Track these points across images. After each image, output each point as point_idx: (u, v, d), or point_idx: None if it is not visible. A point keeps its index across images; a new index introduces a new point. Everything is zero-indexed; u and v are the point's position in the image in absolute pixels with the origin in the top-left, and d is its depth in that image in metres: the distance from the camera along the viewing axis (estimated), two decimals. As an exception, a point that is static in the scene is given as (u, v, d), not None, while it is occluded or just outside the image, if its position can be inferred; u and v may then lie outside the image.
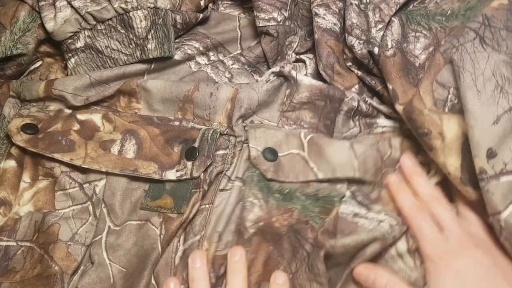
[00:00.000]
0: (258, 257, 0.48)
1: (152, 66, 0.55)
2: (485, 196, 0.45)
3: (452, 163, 0.48)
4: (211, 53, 0.57)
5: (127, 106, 0.54)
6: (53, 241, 0.48)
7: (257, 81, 0.56)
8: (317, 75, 0.55)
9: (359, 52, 0.52)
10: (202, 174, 0.50)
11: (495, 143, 0.44)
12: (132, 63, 0.54)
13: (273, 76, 0.53)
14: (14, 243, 0.49)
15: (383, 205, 0.51)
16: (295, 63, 0.56)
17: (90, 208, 0.50)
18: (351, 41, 0.52)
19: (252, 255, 0.48)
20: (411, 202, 0.50)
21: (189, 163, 0.50)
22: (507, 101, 0.45)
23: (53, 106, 0.54)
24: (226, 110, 0.52)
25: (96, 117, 0.53)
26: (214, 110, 0.52)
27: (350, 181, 0.51)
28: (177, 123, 0.53)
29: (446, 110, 0.48)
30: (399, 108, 0.50)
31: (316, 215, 0.49)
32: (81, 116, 0.53)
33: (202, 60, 0.57)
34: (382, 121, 0.55)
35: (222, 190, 0.50)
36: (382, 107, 0.55)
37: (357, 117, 0.54)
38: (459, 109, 0.48)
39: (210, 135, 0.51)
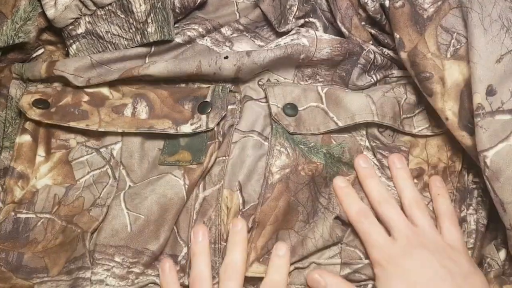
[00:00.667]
0: (279, 205, 0.49)
1: (152, 49, 0.55)
2: (477, 132, 0.46)
3: (451, 108, 0.49)
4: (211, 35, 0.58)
5: None
6: (78, 213, 0.49)
7: (259, 46, 0.57)
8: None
9: (372, 8, 0.54)
10: (215, 127, 0.51)
11: (496, 81, 0.46)
12: (133, 47, 0.55)
13: (282, 48, 0.53)
14: (33, 215, 0.50)
15: None
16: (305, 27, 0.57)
17: (109, 171, 0.51)
18: None
19: (273, 202, 0.49)
20: (357, 207, 0.50)
21: (203, 116, 0.52)
22: None
23: (58, 84, 0.55)
24: (230, 78, 0.54)
25: (103, 89, 0.54)
26: (218, 77, 0.54)
27: (372, 135, 0.53)
28: (183, 85, 0.54)
29: (449, 55, 0.50)
30: (403, 55, 0.52)
31: (333, 173, 0.52)
32: (88, 89, 0.54)
33: (200, 40, 0.57)
34: (397, 72, 0.57)
35: (235, 142, 0.51)
36: (397, 58, 0.56)
37: (372, 72, 0.56)
38: (461, 56, 0.49)
39: (220, 90, 0.53)
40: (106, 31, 0.54)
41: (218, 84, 0.54)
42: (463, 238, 0.49)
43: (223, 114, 0.52)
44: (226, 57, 0.52)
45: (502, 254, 0.50)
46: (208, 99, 0.53)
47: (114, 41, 0.54)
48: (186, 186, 0.49)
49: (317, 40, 0.53)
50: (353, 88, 0.55)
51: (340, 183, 0.51)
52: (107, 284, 0.47)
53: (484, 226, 0.52)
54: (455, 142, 0.52)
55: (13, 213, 0.50)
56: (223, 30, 0.57)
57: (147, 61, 0.56)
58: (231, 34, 0.57)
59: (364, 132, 0.54)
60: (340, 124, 0.52)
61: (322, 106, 0.53)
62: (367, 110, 0.52)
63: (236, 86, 0.54)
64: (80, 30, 0.54)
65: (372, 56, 0.54)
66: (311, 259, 0.49)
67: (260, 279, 0.48)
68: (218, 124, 0.52)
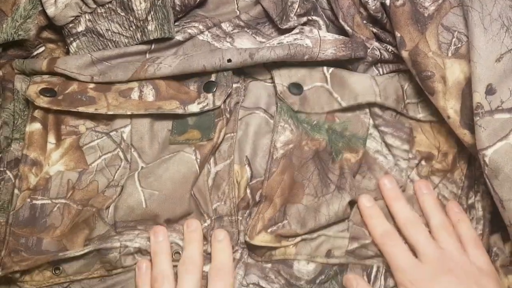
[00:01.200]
0: (284, 179, 0.50)
1: (153, 46, 0.55)
2: (477, 131, 0.46)
3: (452, 106, 0.50)
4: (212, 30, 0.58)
5: None
6: (93, 196, 0.50)
7: (260, 43, 0.57)
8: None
9: (373, 7, 0.55)
10: (222, 104, 0.52)
11: (495, 80, 0.46)
12: (133, 45, 0.55)
13: (285, 48, 0.53)
14: (48, 201, 0.50)
15: (407, 146, 0.53)
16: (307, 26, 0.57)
17: (121, 154, 0.52)
18: None
19: (278, 176, 0.50)
20: (383, 228, 0.50)
21: (209, 95, 0.53)
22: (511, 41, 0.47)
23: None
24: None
25: None
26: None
27: (375, 113, 0.54)
28: None
29: (450, 54, 0.50)
30: (405, 54, 0.52)
31: (338, 149, 0.52)
32: None
33: (200, 36, 0.57)
34: (404, 66, 0.57)
35: (240, 119, 0.53)
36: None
37: (379, 64, 0.57)
38: (462, 54, 0.49)
39: (224, 71, 0.54)
40: (106, 29, 0.54)
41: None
42: (490, 261, 0.49)
43: (229, 91, 0.53)
44: (229, 60, 0.53)
45: (508, 246, 0.50)
46: (213, 79, 0.54)
47: (114, 39, 0.54)
48: (198, 160, 0.50)
49: (320, 41, 0.54)
50: None
51: (366, 203, 0.51)
52: (136, 242, 0.48)
53: (490, 213, 0.52)
54: None
55: (29, 200, 0.50)
56: (223, 25, 0.57)
57: (147, 56, 0.56)
58: (232, 30, 0.58)
59: (367, 110, 0.54)
60: (344, 104, 0.53)
61: (327, 87, 0.54)
62: (370, 91, 0.53)
63: (239, 68, 0.55)
64: (81, 28, 0.54)
65: (378, 53, 0.55)
66: (320, 232, 0.49)
67: (266, 248, 0.49)
68: (224, 101, 0.53)
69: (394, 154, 0.53)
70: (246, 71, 0.56)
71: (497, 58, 0.46)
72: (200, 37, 0.57)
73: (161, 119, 0.53)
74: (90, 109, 0.51)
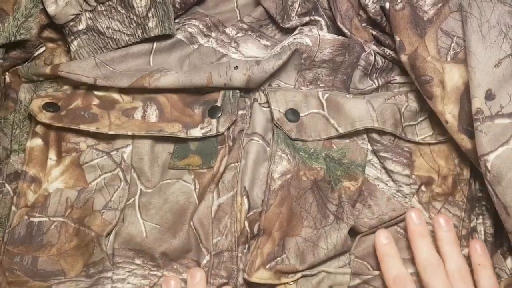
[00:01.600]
0: (283, 211, 0.49)
1: (154, 45, 0.55)
2: (477, 137, 0.46)
3: (451, 111, 0.49)
4: (213, 34, 0.57)
5: None
6: (89, 214, 0.50)
7: (265, 46, 0.57)
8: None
9: (373, 10, 0.54)
10: (226, 132, 0.52)
11: (495, 86, 0.46)
12: (134, 43, 0.55)
13: (287, 50, 0.53)
14: (46, 219, 0.50)
15: (409, 171, 0.52)
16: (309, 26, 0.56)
17: (120, 174, 0.52)
18: (365, 0, 0.55)
19: (276, 209, 0.49)
20: (396, 272, 0.47)
21: (213, 121, 0.52)
22: (510, 46, 0.47)
23: (68, 86, 0.55)
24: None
25: (113, 92, 0.54)
26: (228, 89, 0.54)
27: (372, 139, 0.53)
28: (193, 89, 0.54)
29: (449, 59, 0.50)
30: (404, 58, 0.52)
31: (337, 177, 0.51)
32: (98, 93, 0.54)
33: (203, 41, 0.57)
34: (399, 78, 0.56)
35: (244, 148, 0.52)
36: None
37: (374, 75, 0.56)
38: (461, 59, 0.49)
39: (231, 95, 0.53)
40: (107, 27, 0.54)
41: (229, 90, 0.54)
42: None
43: (234, 119, 0.52)
44: (236, 67, 0.52)
45: (509, 262, 0.49)
46: (218, 104, 0.53)
47: (115, 37, 0.54)
48: (197, 191, 0.50)
49: (319, 40, 0.53)
50: (354, 91, 0.55)
51: (383, 240, 0.49)
52: (128, 283, 0.47)
53: (491, 235, 0.52)
54: (460, 151, 0.52)
55: (26, 217, 0.50)
56: (227, 30, 0.57)
57: (151, 62, 0.55)
58: (236, 34, 0.57)
59: (365, 136, 0.53)
60: (341, 130, 0.52)
61: (323, 113, 0.53)
62: (367, 117, 0.52)
63: (245, 92, 0.54)
64: (81, 26, 0.54)
65: (372, 58, 0.54)
66: (321, 268, 0.49)
67: (267, 285, 0.48)
68: (228, 128, 0.52)
69: (396, 180, 0.52)
70: (251, 93, 0.54)
71: (496, 64, 0.46)
72: (205, 44, 0.56)
73: (163, 141, 0.53)
74: (92, 128, 0.51)
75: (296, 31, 0.55)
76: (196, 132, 0.52)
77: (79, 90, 0.54)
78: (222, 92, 0.54)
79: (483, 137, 0.46)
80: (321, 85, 0.55)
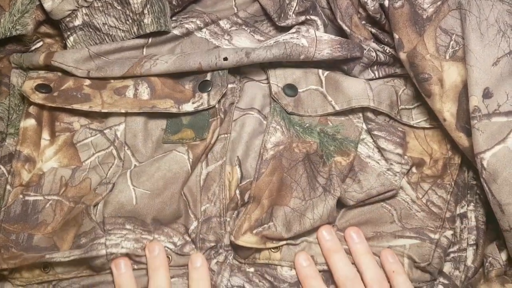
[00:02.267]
0: (273, 180, 0.50)
1: (150, 40, 0.55)
2: (474, 134, 0.46)
3: (449, 109, 0.49)
4: (210, 27, 0.57)
5: None
6: (86, 193, 0.50)
7: (258, 41, 0.57)
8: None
9: (372, 8, 0.54)
10: (217, 104, 0.52)
11: (492, 84, 0.46)
12: (130, 39, 0.55)
13: (281, 46, 0.53)
14: (41, 197, 0.50)
15: (401, 150, 0.52)
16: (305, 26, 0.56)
17: (114, 151, 0.52)
18: None
19: (267, 178, 0.50)
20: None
21: (204, 94, 0.53)
22: (508, 45, 0.47)
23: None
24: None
25: None
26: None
27: (368, 118, 0.53)
28: None
29: (447, 57, 0.50)
30: (402, 56, 0.52)
31: (329, 152, 0.52)
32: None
33: (198, 33, 0.57)
34: (400, 70, 0.56)
35: (235, 120, 0.53)
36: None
37: (375, 67, 0.56)
38: (460, 57, 0.49)
39: (220, 71, 0.54)
40: (103, 23, 0.54)
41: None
42: None
43: (224, 91, 0.53)
44: (225, 59, 0.52)
45: (504, 255, 0.50)
46: (208, 78, 0.53)
47: (111, 33, 0.54)
48: (190, 160, 0.50)
49: (316, 41, 0.53)
50: None
51: (302, 262, 0.49)
52: (122, 247, 0.47)
53: (483, 223, 0.52)
54: None
55: (21, 196, 0.50)
56: (221, 23, 0.57)
57: (144, 52, 0.55)
58: (229, 27, 0.57)
59: (361, 115, 0.54)
60: (337, 108, 0.53)
61: (322, 90, 0.54)
62: (364, 96, 0.53)
63: (235, 68, 0.55)
64: (77, 22, 0.54)
65: (374, 54, 0.54)
66: (303, 237, 0.49)
67: (252, 249, 0.48)
68: (219, 101, 0.53)
69: (388, 158, 0.52)
70: (242, 71, 0.55)
71: (494, 62, 0.46)
72: (198, 34, 0.56)
73: (156, 117, 0.53)
74: (85, 107, 0.52)
75: (293, 30, 0.55)
76: (188, 107, 0.52)
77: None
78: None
79: (479, 135, 0.46)
80: (322, 65, 0.55)
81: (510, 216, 0.45)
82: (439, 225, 0.51)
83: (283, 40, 0.53)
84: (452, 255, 0.51)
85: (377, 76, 0.56)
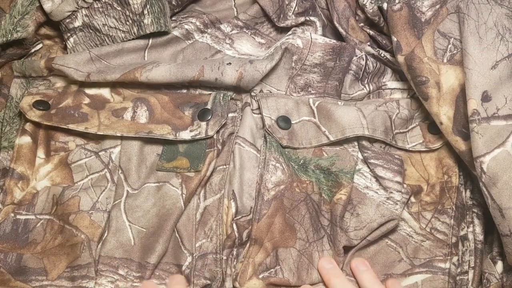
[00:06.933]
0: (275, 222, 0.49)
1: (150, 42, 0.55)
2: (473, 138, 0.46)
3: (446, 112, 0.49)
4: (209, 30, 0.57)
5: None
6: (74, 212, 0.49)
7: (259, 43, 0.57)
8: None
9: (371, 10, 0.54)
10: (215, 135, 0.51)
11: (491, 87, 0.45)
12: (130, 39, 0.55)
13: (278, 50, 0.53)
14: (33, 217, 0.50)
15: (400, 178, 0.51)
16: (303, 26, 0.56)
17: (108, 175, 0.51)
18: (363, 1, 0.54)
19: (269, 219, 0.49)
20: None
21: (203, 123, 0.52)
22: (507, 48, 0.46)
23: (60, 83, 0.55)
24: (232, 86, 0.53)
25: (104, 91, 0.54)
26: (220, 86, 0.54)
27: (363, 146, 0.52)
28: (184, 91, 0.54)
29: (445, 60, 0.49)
30: (400, 58, 0.52)
31: (328, 188, 0.51)
32: (89, 91, 0.54)
33: (200, 37, 0.57)
34: (390, 83, 0.56)
35: (233, 151, 0.52)
36: (393, 60, 0.55)
37: (366, 80, 0.55)
38: (458, 61, 0.49)
39: (221, 97, 0.53)
40: (103, 24, 0.54)
41: (219, 91, 0.54)
42: None
43: (223, 122, 0.52)
44: (229, 63, 0.52)
45: (499, 266, 0.49)
46: (208, 106, 0.52)
47: (111, 34, 0.54)
48: (184, 196, 0.49)
49: (311, 43, 0.52)
50: (346, 97, 0.55)
51: (326, 265, 0.49)
52: None
53: (480, 242, 0.51)
54: (450, 157, 0.52)
55: (12, 214, 0.50)
56: (222, 27, 0.57)
57: (146, 57, 0.55)
58: (230, 31, 0.57)
59: (356, 144, 0.53)
60: (332, 138, 0.52)
61: (314, 120, 0.53)
62: (358, 124, 0.51)
63: (237, 94, 0.54)
64: (77, 23, 0.54)
65: (363, 62, 0.53)
66: None
67: None
68: (217, 132, 0.52)
69: (387, 186, 0.51)
70: (243, 95, 0.54)
71: (492, 66, 0.46)
72: (200, 40, 0.56)
73: (152, 142, 0.52)
74: (81, 128, 0.51)
75: (290, 32, 0.55)
76: (185, 135, 0.51)
77: (71, 88, 0.54)
78: (213, 94, 0.53)
79: (479, 139, 0.45)
80: (312, 91, 0.54)
81: (510, 221, 0.45)
82: (448, 252, 0.50)
83: (280, 43, 0.53)
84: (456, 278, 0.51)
85: (368, 89, 0.55)
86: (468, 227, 0.52)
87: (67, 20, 0.54)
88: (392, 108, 0.53)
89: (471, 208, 0.52)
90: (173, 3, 0.56)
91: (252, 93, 0.54)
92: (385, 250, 0.50)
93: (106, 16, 0.54)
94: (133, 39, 0.55)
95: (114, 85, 0.54)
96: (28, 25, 0.55)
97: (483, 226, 0.51)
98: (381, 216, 0.49)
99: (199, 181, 0.50)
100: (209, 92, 0.54)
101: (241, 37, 0.57)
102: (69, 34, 0.55)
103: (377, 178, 0.51)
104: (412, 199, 0.52)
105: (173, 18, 0.57)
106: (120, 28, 0.54)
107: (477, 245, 0.51)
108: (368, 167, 0.52)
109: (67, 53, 0.56)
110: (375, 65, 0.54)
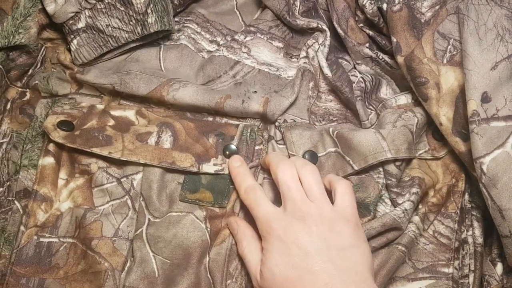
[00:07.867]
0: None
1: (161, 52, 0.57)
2: (473, 139, 0.46)
3: (445, 113, 0.49)
4: (218, 38, 0.57)
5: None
6: (97, 237, 0.49)
7: (277, 48, 0.57)
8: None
9: (370, 11, 0.54)
10: None
11: (491, 88, 0.46)
12: (133, 40, 0.55)
13: (298, 73, 0.54)
14: (56, 239, 0.49)
15: (414, 190, 0.51)
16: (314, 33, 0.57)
17: (129, 202, 0.51)
18: (363, 1, 0.54)
19: None
20: (247, 183, 0.49)
21: (228, 160, 0.52)
22: (507, 49, 0.46)
23: (85, 103, 0.55)
24: (258, 114, 0.53)
25: (129, 113, 0.54)
26: (245, 115, 0.54)
27: (388, 173, 0.51)
28: (210, 119, 0.54)
29: (445, 61, 0.50)
30: (400, 59, 0.52)
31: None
32: (114, 112, 0.54)
33: (212, 47, 0.57)
34: (390, 93, 0.56)
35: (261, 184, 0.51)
36: (392, 63, 0.56)
37: (366, 102, 0.56)
38: (457, 62, 0.49)
39: (249, 134, 0.53)
40: (106, 25, 0.54)
41: (246, 124, 0.54)
42: (355, 207, 0.46)
43: (248, 163, 0.51)
44: (255, 91, 0.53)
45: (499, 268, 0.50)
46: (234, 143, 0.52)
47: (114, 35, 0.55)
48: (209, 229, 0.49)
49: (320, 70, 0.54)
50: (367, 125, 0.55)
51: (235, 163, 0.51)
52: None
53: (480, 245, 0.51)
54: (457, 163, 0.52)
55: (35, 237, 0.49)
56: (236, 36, 0.57)
57: (162, 67, 0.56)
58: (244, 38, 0.57)
59: (381, 169, 0.52)
60: (356, 167, 0.51)
61: (339, 151, 0.52)
62: (378, 148, 0.50)
63: (264, 125, 0.54)
64: (81, 24, 0.54)
65: (363, 85, 0.55)
66: None
67: None
68: None
69: (401, 205, 0.50)
70: (269, 126, 0.54)
71: (492, 67, 0.46)
72: (216, 54, 0.56)
73: (174, 171, 0.51)
74: (104, 152, 0.50)
75: (303, 53, 0.56)
76: (209, 168, 0.51)
77: (96, 109, 0.54)
78: (240, 128, 0.53)
79: (478, 140, 0.45)
80: (333, 119, 0.55)
81: (510, 222, 0.45)
82: (451, 256, 0.50)
83: (297, 66, 0.54)
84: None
85: (374, 108, 0.55)
86: (467, 230, 0.52)
87: (70, 22, 0.54)
88: (409, 119, 0.52)
89: (470, 211, 0.52)
90: (175, 2, 0.56)
91: (276, 124, 0.54)
92: (397, 255, 0.50)
93: (110, 17, 0.54)
94: (136, 39, 0.55)
95: (139, 108, 0.54)
96: (30, 26, 0.55)
97: (482, 229, 0.51)
98: (382, 225, 0.49)
99: (224, 217, 0.50)
100: (237, 123, 0.54)
101: (258, 44, 0.57)
102: (72, 36, 0.55)
103: (396, 205, 0.51)
104: (420, 205, 0.52)
105: (176, 19, 0.57)
106: (124, 28, 0.54)
107: (477, 248, 0.51)
108: (389, 195, 0.51)
109: (71, 55, 0.56)
110: (372, 83, 0.55)
